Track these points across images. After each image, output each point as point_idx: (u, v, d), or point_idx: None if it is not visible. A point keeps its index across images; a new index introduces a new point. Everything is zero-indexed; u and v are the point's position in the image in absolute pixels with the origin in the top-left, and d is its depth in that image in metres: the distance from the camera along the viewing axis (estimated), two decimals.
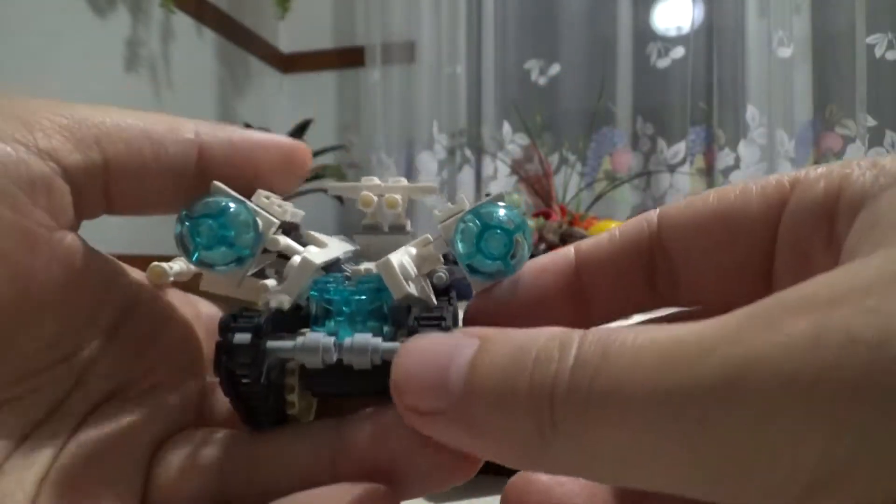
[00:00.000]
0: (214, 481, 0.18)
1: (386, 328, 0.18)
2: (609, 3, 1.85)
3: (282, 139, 0.20)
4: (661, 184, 1.82)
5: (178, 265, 0.21)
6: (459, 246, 0.19)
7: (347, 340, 0.16)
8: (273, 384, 0.17)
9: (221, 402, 0.20)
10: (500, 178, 1.91)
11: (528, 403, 0.10)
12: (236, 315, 0.16)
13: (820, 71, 1.70)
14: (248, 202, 0.18)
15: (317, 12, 2.15)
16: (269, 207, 0.19)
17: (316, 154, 1.81)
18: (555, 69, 1.93)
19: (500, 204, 0.19)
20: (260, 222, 0.18)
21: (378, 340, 0.16)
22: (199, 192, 0.18)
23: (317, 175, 1.83)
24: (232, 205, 0.18)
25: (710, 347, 0.09)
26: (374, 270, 0.18)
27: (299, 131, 1.77)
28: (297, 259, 0.17)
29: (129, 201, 0.18)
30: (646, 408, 0.09)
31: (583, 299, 0.18)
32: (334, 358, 0.16)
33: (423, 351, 0.12)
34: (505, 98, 1.93)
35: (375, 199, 0.23)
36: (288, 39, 2.19)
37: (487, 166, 1.92)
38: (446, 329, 0.15)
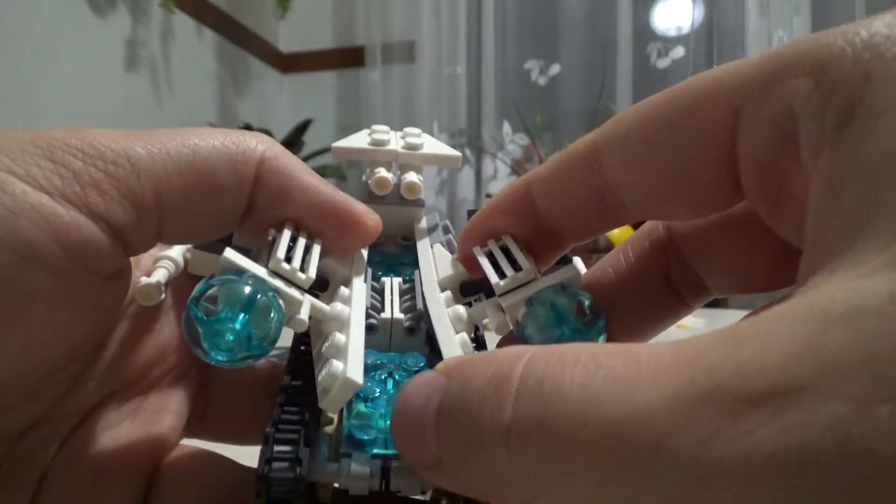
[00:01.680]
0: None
1: None
2: (609, 3, 1.85)
3: (351, 206, 0.17)
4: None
5: (164, 271, 0.19)
6: (530, 330, 0.16)
7: (394, 465, 0.14)
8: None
9: (221, 404, 0.20)
10: (500, 178, 1.91)
11: (476, 459, 0.10)
12: (275, 438, 0.14)
13: None
14: (267, 279, 0.15)
15: (317, 12, 2.15)
16: (292, 276, 0.16)
17: (316, 154, 1.81)
18: (555, 69, 1.93)
19: (571, 290, 0.17)
20: (283, 304, 0.15)
21: None
22: (247, 222, 0.17)
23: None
24: (258, 299, 0.15)
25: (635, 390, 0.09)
26: (401, 320, 0.16)
27: (299, 131, 1.77)
28: (336, 372, 0.14)
29: (176, 239, 0.17)
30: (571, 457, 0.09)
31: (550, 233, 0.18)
32: (379, 487, 0.14)
33: (406, 408, 0.12)
34: (505, 98, 1.93)
35: (392, 180, 0.20)
36: (288, 39, 2.19)
37: (487, 166, 1.92)
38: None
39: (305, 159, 1.79)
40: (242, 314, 0.14)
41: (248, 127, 1.71)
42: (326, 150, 1.86)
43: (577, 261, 0.18)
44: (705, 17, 1.80)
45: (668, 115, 0.14)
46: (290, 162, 0.17)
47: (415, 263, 0.20)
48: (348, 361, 0.14)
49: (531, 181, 0.17)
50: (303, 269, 0.16)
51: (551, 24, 1.92)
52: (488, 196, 1.51)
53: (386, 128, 0.22)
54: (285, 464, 0.14)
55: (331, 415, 0.16)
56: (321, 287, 0.18)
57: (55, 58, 1.34)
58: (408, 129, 0.22)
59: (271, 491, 0.14)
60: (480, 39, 1.95)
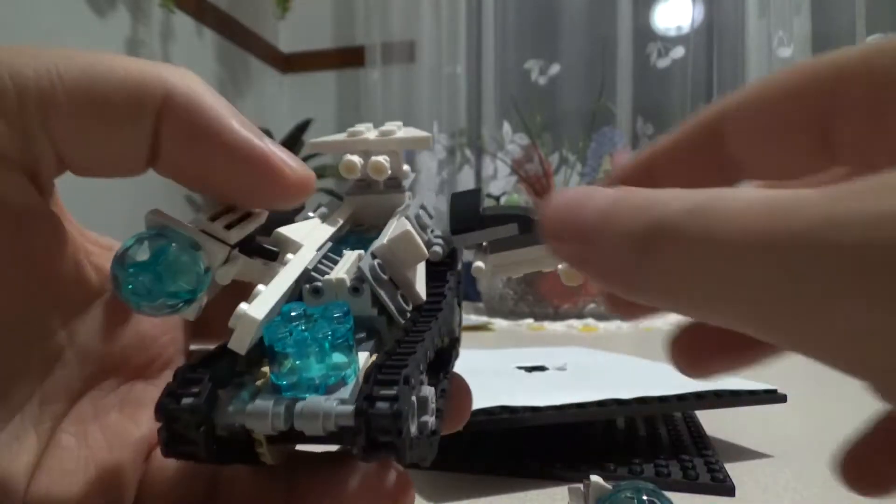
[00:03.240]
0: (203, 490, 0.18)
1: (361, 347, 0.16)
2: (609, 3, 1.85)
3: (261, 149, 0.16)
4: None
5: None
6: None
7: (298, 406, 0.14)
8: (239, 434, 0.16)
9: None
10: (500, 178, 1.91)
11: (644, 234, 0.12)
12: (181, 381, 0.15)
13: None
14: (189, 232, 0.16)
15: (317, 12, 2.15)
16: (216, 231, 0.17)
17: (316, 154, 1.81)
18: (555, 69, 1.93)
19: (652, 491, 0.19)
20: (204, 257, 0.16)
21: (331, 404, 0.14)
22: (161, 161, 0.16)
23: (317, 175, 1.82)
24: (171, 246, 0.16)
25: (806, 206, 0.10)
26: (344, 279, 0.17)
27: (299, 131, 1.77)
28: (239, 312, 0.15)
29: (83, 170, 0.16)
30: (737, 249, 0.10)
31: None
32: (284, 426, 0.14)
33: (573, 191, 0.14)
34: (505, 98, 1.93)
35: (359, 163, 0.20)
36: (288, 39, 2.19)
37: (487, 166, 1.92)
38: (411, 386, 0.14)
39: (305, 159, 1.79)
40: (158, 265, 0.15)
41: None
42: None
43: None
44: (705, 17, 1.80)
45: (782, 89, 0.16)
46: (207, 100, 0.16)
47: None
48: (253, 302, 0.15)
49: (653, 154, 0.18)
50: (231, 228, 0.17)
51: (551, 24, 1.92)
52: (488, 196, 1.51)
53: (367, 124, 0.22)
54: (189, 399, 0.14)
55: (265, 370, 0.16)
56: (272, 257, 0.18)
57: None
58: (387, 123, 0.22)
59: (168, 425, 0.14)
60: (480, 39, 1.95)
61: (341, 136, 0.21)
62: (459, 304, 0.22)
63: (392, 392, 0.14)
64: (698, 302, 0.11)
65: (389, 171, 0.20)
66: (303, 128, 1.77)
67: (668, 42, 1.83)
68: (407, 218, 0.20)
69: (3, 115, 0.14)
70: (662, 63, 1.84)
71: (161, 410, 0.15)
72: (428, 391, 0.16)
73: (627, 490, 0.20)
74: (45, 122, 0.15)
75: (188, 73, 0.16)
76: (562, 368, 0.50)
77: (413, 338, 0.16)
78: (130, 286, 0.15)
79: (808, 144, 0.15)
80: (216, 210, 0.17)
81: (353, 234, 0.21)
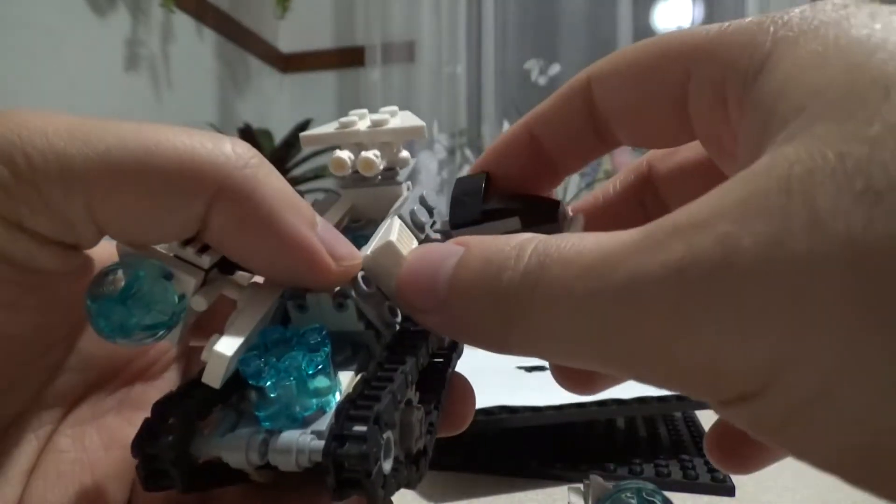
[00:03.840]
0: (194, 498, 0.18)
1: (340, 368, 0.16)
2: (609, 3, 1.85)
3: (307, 243, 0.16)
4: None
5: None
6: None
7: (273, 441, 0.14)
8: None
9: None
10: None
11: (492, 306, 0.13)
12: (156, 415, 0.15)
13: None
14: (160, 262, 0.16)
15: (317, 12, 2.15)
16: (188, 256, 0.16)
17: (316, 154, 1.81)
18: (555, 69, 1.93)
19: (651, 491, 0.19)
20: (177, 286, 0.16)
21: (305, 440, 0.14)
22: (213, 232, 0.16)
23: (317, 175, 1.82)
24: (141, 277, 0.15)
25: (612, 265, 0.12)
26: (327, 296, 0.16)
27: (299, 131, 1.76)
28: (210, 345, 0.15)
29: (123, 240, 0.16)
30: (569, 308, 0.12)
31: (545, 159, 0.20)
32: (259, 460, 0.14)
33: (420, 261, 0.15)
34: (505, 98, 1.93)
35: (349, 160, 0.20)
36: (288, 39, 2.19)
37: None
38: (382, 424, 0.14)
39: (305, 160, 1.79)
40: (130, 298, 0.15)
41: (248, 127, 1.71)
42: (326, 149, 1.85)
43: (569, 211, 0.20)
44: (705, 17, 1.80)
45: (644, 61, 0.17)
46: (261, 191, 0.15)
47: None
48: (223, 336, 0.15)
49: (530, 119, 0.20)
50: (206, 251, 0.16)
51: (551, 24, 1.92)
52: None
53: (361, 111, 0.21)
54: (164, 436, 0.14)
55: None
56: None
57: (55, 58, 1.34)
58: (382, 109, 0.21)
59: (145, 463, 0.14)
60: (480, 39, 1.95)
61: (332, 128, 0.20)
62: None
63: (362, 430, 0.13)
64: (557, 351, 0.13)
65: (381, 167, 0.20)
66: (303, 128, 1.77)
67: None
68: (400, 217, 0.19)
69: (44, 200, 0.14)
70: None
71: (137, 448, 0.14)
72: (414, 415, 0.16)
73: (627, 490, 0.20)
74: (90, 207, 0.14)
75: (247, 154, 0.15)
76: None
77: (394, 360, 0.16)
78: (102, 322, 0.15)
79: (667, 117, 0.17)
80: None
81: (350, 232, 0.20)
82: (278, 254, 0.16)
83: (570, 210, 0.21)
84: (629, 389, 0.37)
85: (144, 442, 0.14)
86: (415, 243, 0.18)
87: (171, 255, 0.16)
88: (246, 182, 0.15)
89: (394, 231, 0.17)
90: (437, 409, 0.18)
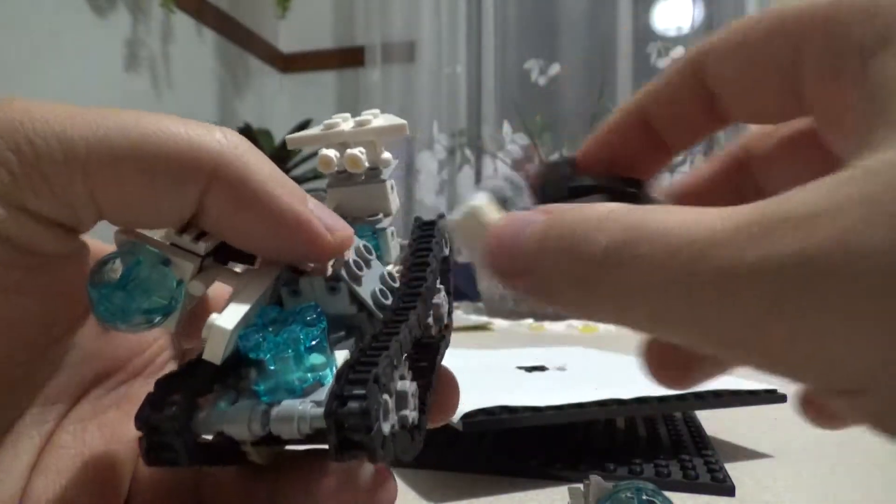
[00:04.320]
0: (191, 481, 0.19)
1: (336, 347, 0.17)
2: (609, 3, 1.85)
3: (304, 217, 0.16)
4: (662, 184, 1.82)
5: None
6: None
7: (274, 410, 0.15)
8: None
9: None
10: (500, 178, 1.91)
11: (576, 273, 0.13)
12: (159, 391, 0.15)
13: None
14: (157, 248, 0.16)
15: (317, 12, 2.15)
16: (185, 243, 0.17)
17: (316, 154, 1.81)
18: (555, 69, 1.93)
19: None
20: (175, 272, 0.16)
21: (306, 407, 0.14)
22: (200, 212, 0.16)
23: (317, 175, 1.83)
24: (140, 263, 0.16)
25: (712, 246, 0.11)
26: (321, 279, 0.17)
27: (299, 131, 1.76)
28: (209, 322, 0.15)
29: (120, 224, 0.17)
30: (660, 285, 0.12)
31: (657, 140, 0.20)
32: (261, 430, 0.15)
33: (506, 226, 0.15)
34: (505, 98, 1.93)
35: (335, 157, 0.21)
36: (288, 39, 2.19)
37: (487, 166, 1.92)
38: (381, 385, 0.14)
39: (304, 160, 1.80)
40: (129, 284, 0.16)
41: (248, 126, 1.71)
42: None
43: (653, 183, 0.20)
44: (705, 16, 1.80)
45: (757, 33, 0.16)
46: (254, 170, 0.16)
47: (373, 238, 0.20)
48: (223, 312, 0.15)
49: (641, 98, 0.20)
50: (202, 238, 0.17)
51: (551, 24, 1.92)
52: None
53: (344, 115, 0.22)
54: (167, 409, 0.15)
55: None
56: (250, 261, 0.19)
57: (55, 58, 1.34)
58: (364, 112, 0.22)
59: (148, 436, 0.15)
60: (480, 39, 1.95)
61: (317, 130, 0.21)
62: (449, 293, 0.22)
63: (362, 391, 0.14)
64: (643, 323, 0.13)
65: (366, 164, 0.21)
66: (303, 128, 1.76)
67: (668, 42, 1.83)
68: (485, 190, 0.19)
69: (48, 183, 0.15)
70: (662, 63, 1.84)
71: (140, 421, 0.15)
72: (408, 386, 0.16)
73: (627, 490, 0.20)
74: (91, 190, 0.15)
75: (238, 141, 0.16)
76: (562, 368, 0.50)
77: (389, 331, 0.16)
78: (103, 307, 0.16)
79: (779, 90, 0.16)
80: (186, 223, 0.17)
81: None
82: (276, 230, 0.16)
83: (657, 191, 0.21)
84: (629, 389, 0.37)
85: (148, 414, 0.15)
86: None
87: (168, 243, 0.17)
88: (239, 164, 0.16)
89: (479, 198, 0.17)
90: (428, 390, 0.19)
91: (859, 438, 0.42)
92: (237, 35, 1.96)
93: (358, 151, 0.20)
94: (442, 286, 0.21)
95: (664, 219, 0.12)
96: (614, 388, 0.37)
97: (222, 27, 1.89)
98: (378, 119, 0.21)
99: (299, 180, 1.80)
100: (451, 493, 0.33)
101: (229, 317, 0.15)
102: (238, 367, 0.16)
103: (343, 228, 0.17)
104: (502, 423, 0.33)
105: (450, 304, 0.22)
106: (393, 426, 0.15)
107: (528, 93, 1.93)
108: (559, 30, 1.91)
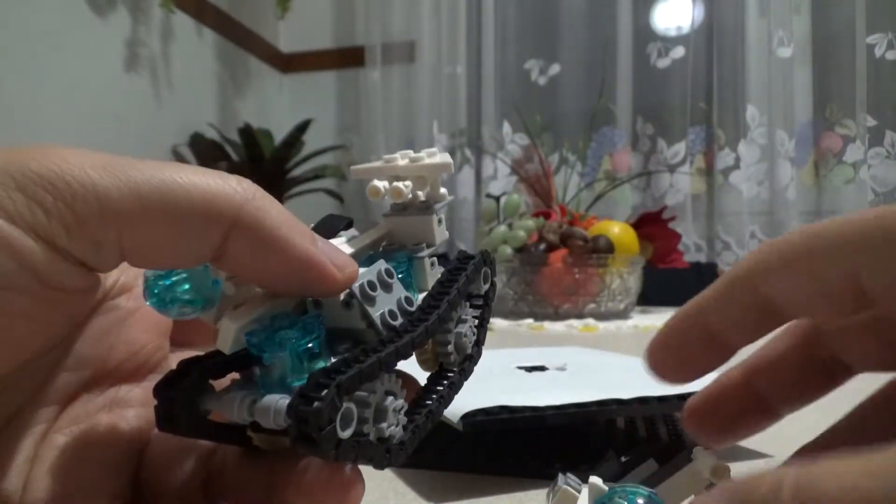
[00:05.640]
0: (201, 470, 0.20)
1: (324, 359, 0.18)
2: (609, 3, 1.85)
3: (318, 260, 0.18)
4: (661, 184, 1.82)
5: None
6: None
7: (258, 402, 0.17)
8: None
9: None
10: (500, 178, 1.91)
11: None
12: (178, 369, 0.18)
13: (820, 71, 1.70)
14: None
15: (317, 12, 2.15)
16: None
17: (315, 154, 1.81)
18: (555, 69, 1.93)
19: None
20: (213, 272, 0.18)
21: (283, 401, 0.16)
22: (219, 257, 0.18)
23: (317, 175, 1.83)
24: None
25: None
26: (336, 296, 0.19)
27: (299, 131, 1.77)
28: (223, 317, 0.18)
29: (140, 266, 0.18)
30: None
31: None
32: (247, 416, 0.17)
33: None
34: (505, 98, 1.93)
35: (382, 188, 0.23)
36: (288, 39, 2.19)
37: (487, 166, 1.92)
38: (341, 391, 0.16)
39: (305, 159, 1.80)
40: (171, 276, 0.18)
41: (248, 127, 1.71)
42: (326, 149, 1.86)
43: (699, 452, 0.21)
44: (705, 16, 1.80)
45: (811, 253, 0.17)
46: (272, 218, 0.17)
47: (407, 264, 0.22)
48: (237, 310, 0.18)
49: (702, 304, 0.20)
50: None
51: (551, 24, 1.92)
52: (488, 196, 1.51)
53: (406, 151, 0.24)
54: (181, 384, 0.18)
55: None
56: None
57: (55, 58, 1.34)
58: (423, 151, 0.24)
59: (162, 405, 0.17)
60: (480, 39, 1.95)
61: (378, 163, 0.24)
62: (482, 325, 0.24)
63: (320, 393, 0.15)
64: None
65: (409, 195, 0.23)
66: (303, 128, 1.77)
67: (668, 42, 1.83)
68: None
69: (80, 224, 0.15)
70: (662, 63, 1.84)
71: (156, 392, 0.17)
72: (390, 403, 0.18)
73: (627, 490, 0.20)
74: (119, 234, 0.16)
75: (254, 189, 0.18)
76: (562, 368, 0.50)
77: (376, 348, 0.18)
78: (154, 297, 0.18)
79: (844, 298, 0.17)
80: None
81: (385, 253, 0.22)
82: (291, 270, 0.18)
83: (702, 452, 0.22)
84: (629, 389, 0.37)
85: (163, 386, 0.17)
86: None
87: None
88: (257, 212, 0.17)
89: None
90: (429, 417, 0.20)
91: None
92: (237, 35, 1.96)
93: (402, 185, 0.22)
94: (472, 318, 0.23)
95: (838, 483, 0.12)
96: (614, 388, 0.37)
97: (222, 27, 1.89)
98: (433, 158, 0.23)
99: (299, 180, 1.80)
100: (451, 493, 0.33)
101: (239, 315, 0.18)
102: (257, 362, 0.18)
103: (349, 265, 0.19)
104: (502, 423, 0.33)
105: (479, 336, 0.23)
106: (364, 433, 0.17)
107: (528, 93, 1.93)
108: (559, 30, 1.91)
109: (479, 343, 0.23)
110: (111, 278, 0.20)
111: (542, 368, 0.50)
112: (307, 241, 0.18)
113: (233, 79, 1.96)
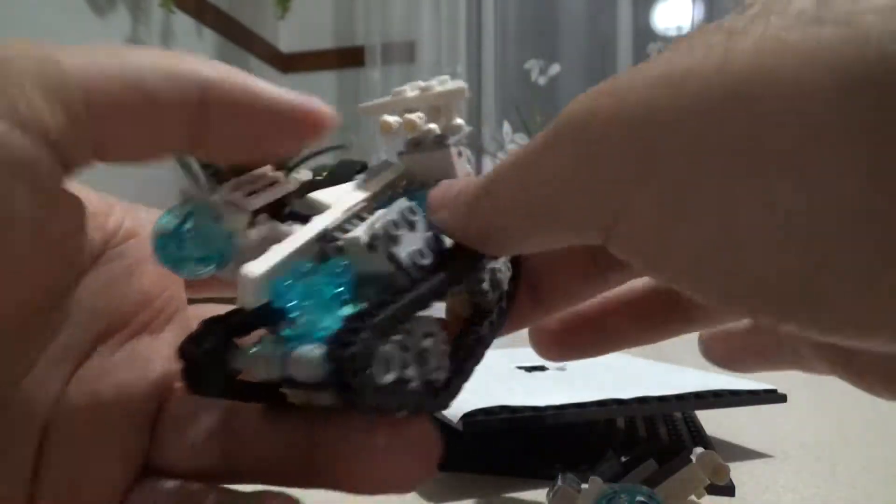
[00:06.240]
0: (218, 442, 0.19)
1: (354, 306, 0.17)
2: (609, 3, 1.85)
3: (298, 102, 0.18)
4: None
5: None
6: None
7: (289, 355, 0.15)
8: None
9: None
10: None
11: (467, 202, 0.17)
12: (203, 328, 0.17)
13: None
14: (211, 202, 0.18)
15: (317, 12, 2.15)
16: (237, 199, 0.18)
17: (316, 154, 1.81)
18: (555, 69, 1.93)
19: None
20: (226, 225, 0.18)
21: (316, 350, 0.15)
22: (200, 139, 0.17)
23: (317, 175, 1.82)
24: (193, 215, 0.17)
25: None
26: (358, 237, 0.17)
27: None
28: (241, 270, 0.16)
29: (119, 154, 0.17)
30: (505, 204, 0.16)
31: None
32: (278, 373, 0.16)
33: (444, 183, 0.19)
34: (505, 98, 1.93)
35: (394, 123, 0.21)
36: (288, 39, 2.19)
37: (487, 166, 1.92)
38: (376, 331, 0.15)
39: (305, 159, 1.80)
40: (179, 235, 0.17)
41: None
42: (326, 149, 1.86)
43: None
44: (705, 16, 1.80)
45: None
46: (238, 76, 0.17)
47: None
48: (256, 260, 0.17)
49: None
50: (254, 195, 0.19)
51: (551, 24, 1.92)
52: None
53: (417, 82, 0.23)
54: (206, 343, 0.17)
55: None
56: (304, 221, 0.19)
57: None
58: (434, 78, 0.23)
59: (188, 366, 0.17)
60: (480, 39, 1.95)
61: (386, 98, 0.22)
62: (517, 264, 0.22)
63: (356, 337, 0.14)
64: (511, 220, 0.16)
65: (424, 128, 0.21)
66: None
67: (668, 42, 1.83)
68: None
69: (67, 110, 0.15)
70: None
71: (182, 353, 0.17)
72: (433, 344, 0.17)
73: (626, 491, 0.20)
74: (95, 115, 0.15)
75: (211, 60, 0.17)
76: (562, 368, 0.50)
77: (411, 287, 0.17)
78: (162, 255, 0.17)
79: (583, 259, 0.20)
80: (238, 181, 0.19)
81: (406, 192, 0.21)
82: (280, 125, 0.18)
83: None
84: (629, 389, 0.37)
85: (188, 348, 0.17)
86: None
87: (223, 200, 0.18)
88: (227, 73, 0.17)
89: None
90: (466, 353, 0.19)
91: (859, 438, 0.42)
92: (237, 35, 1.96)
93: (416, 116, 0.21)
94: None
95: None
96: (614, 388, 0.37)
97: (222, 27, 1.89)
98: (446, 85, 0.22)
99: None
100: (451, 493, 0.33)
101: (259, 264, 0.16)
102: (282, 316, 0.17)
103: (319, 103, 0.19)
104: (502, 423, 0.33)
105: (517, 273, 0.22)
106: (408, 379, 0.16)
107: (528, 93, 1.93)
108: (559, 30, 1.91)
109: (515, 278, 0.22)
110: (112, 221, 0.19)
111: (542, 368, 0.50)
112: (281, 90, 0.18)
113: None
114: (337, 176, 0.21)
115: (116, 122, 0.16)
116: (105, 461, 0.18)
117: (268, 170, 0.20)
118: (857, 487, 0.35)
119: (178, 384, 0.20)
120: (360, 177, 0.21)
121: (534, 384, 0.43)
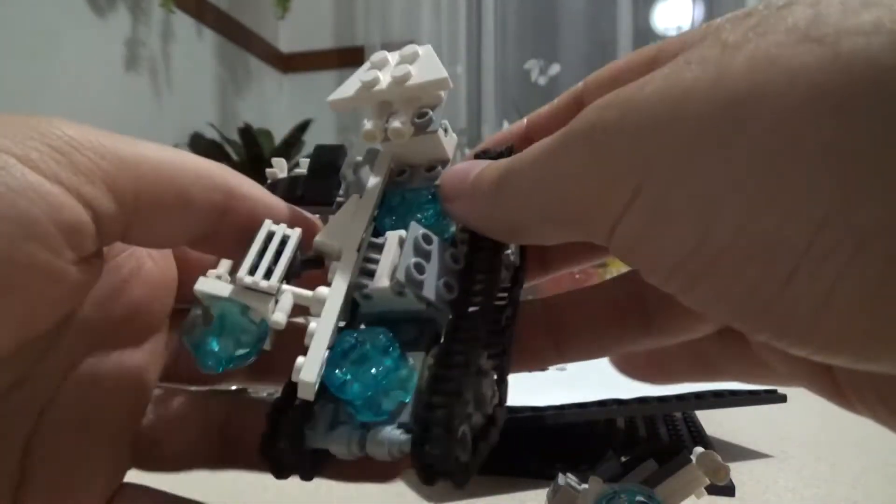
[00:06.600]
0: (207, 438, 0.20)
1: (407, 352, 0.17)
2: (609, 3, 1.85)
3: (301, 219, 0.20)
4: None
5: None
6: None
7: (369, 437, 0.16)
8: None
9: (188, 361, 0.21)
10: None
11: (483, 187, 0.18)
12: (279, 411, 0.17)
13: None
14: (235, 296, 0.18)
15: (317, 12, 2.15)
16: (258, 285, 0.18)
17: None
18: (555, 69, 1.93)
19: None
20: (254, 315, 0.18)
21: (395, 434, 0.16)
22: (206, 239, 0.18)
23: None
24: (224, 315, 0.18)
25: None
26: (387, 289, 0.18)
27: (299, 131, 1.77)
28: (296, 370, 0.17)
29: (142, 239, 0.18)
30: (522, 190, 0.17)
31: None
32: (359, 452, 0.17)
33: (456, 171, 0.20)
34: (505, 98, 1.93)
35: (378, 132, 0.21)
36: (288, 39, 2.19)
37: None
38: (452, 423, 0.16)
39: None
40: (216, 337, 0.18)
41: (248, 127, 1.71)
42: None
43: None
44: (705, 16, 1.80)
45: (631, 63, 0.19)
46: (255, 187, 0.19)
47: (432, 203, 0.20)
48: (306, 360, 0.17)
49: (531, 118, 0.23)
50: (270, 273, 0.18)
51: (551, 24, 1.92)
52: None
53: (380, 56, 0.22)
54: (283, 439, 0.17)
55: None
56: (318, 265, 0.19)
57: (55, 58, 1.34)
58: (401, 51, 0.22)
59: (270, 430, 0.17)
60: (480, 39, 1.95)
61: (354, 88, 0.22)
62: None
63: (440, 432, 0.15)
64: (530, 212, 0.17)
65: (411, 128, 0.21)
66: (303, 128, 1.77)
67: None
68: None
69: (121, 199, 0.16)
70: None
71: (263, 452, 0.17)
72: (486, 382, 0.17)
73: (626, 491, 0.20)
74: (136, 196, 0.16)
75: (228, 168, 0.19)
76: (562, 368, 0.50)
77: (460, 335, 0.17)
78: (208, 360, 0.18)
79: None
80: (251, 261, 0.18)
81: (395, 194, 0.21)
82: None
83: (693, 456, 0.22)
84: (629, 389, 0.37)
85: (267, 445, 0.17)
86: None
87: (242, 287, 0.18)
88: (248, 183, 0.19)
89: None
90: (505, 354, 0.19)
91: (860, 438, 0.42)
92: (237, 35, 1.96)
93: (399, 123, 0.21)
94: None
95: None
96: (614, 388, 0.37)
97: (222, 27, 1.89)
98: (416, 66, 0.22)
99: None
100: (451, 493, 0.33)
101: (311, 368, 0.17)
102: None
103: (318, 223, 0.20)
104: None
105: (523, 250, 0.21)
106: (472, 427, 0.17)
107: (528, 93, 1.93)
108: (559, 30, 1.91)
109: (523, 254, 0.21)
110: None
111: (541, 369, 0.50)
112: (289, 207, 0.20)
113: (233, 79, 1.96)
114: (320, 165, 0.22)
115: (154, 214, 0.17)
116: (89, 474, 0.18)
117: (265, 227, 0.19)
118: (857, 487, 0.35)
119: (158, 391, 0.21)
120: (354, 197, 0.20)
121: (534, 384, 0.43)
